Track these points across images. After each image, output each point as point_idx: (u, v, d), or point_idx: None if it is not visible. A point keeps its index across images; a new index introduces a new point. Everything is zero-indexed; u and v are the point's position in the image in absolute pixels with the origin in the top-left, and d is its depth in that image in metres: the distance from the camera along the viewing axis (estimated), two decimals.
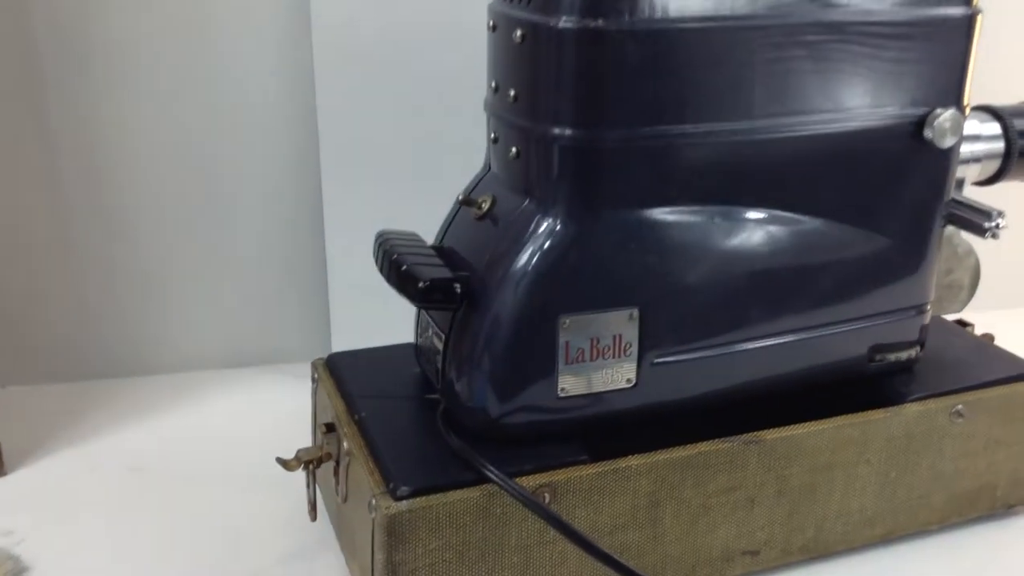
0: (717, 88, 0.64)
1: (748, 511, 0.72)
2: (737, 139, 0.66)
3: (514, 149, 0.67)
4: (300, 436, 0.93)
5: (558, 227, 0.64)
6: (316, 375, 0.80)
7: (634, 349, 0.67)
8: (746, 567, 0.74)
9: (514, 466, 0.65)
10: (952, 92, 0.71)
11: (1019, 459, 0.81)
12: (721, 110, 0.65)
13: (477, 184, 0.73)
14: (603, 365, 0.67)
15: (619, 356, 0.67)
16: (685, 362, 0.69)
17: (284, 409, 0.99)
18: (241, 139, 1.02)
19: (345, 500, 0.71)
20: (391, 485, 0.63)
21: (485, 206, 0.69)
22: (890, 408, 0.75)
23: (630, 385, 0.68)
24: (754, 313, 0.71)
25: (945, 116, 0.70)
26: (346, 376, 0.77)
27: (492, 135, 0.70)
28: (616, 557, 0.61)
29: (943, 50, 0.70)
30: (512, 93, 0.65)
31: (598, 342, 0.66)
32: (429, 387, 0.74)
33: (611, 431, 0.69)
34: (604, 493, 0.67)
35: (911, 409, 0.75)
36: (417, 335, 0.75)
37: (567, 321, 0.65)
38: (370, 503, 0.63)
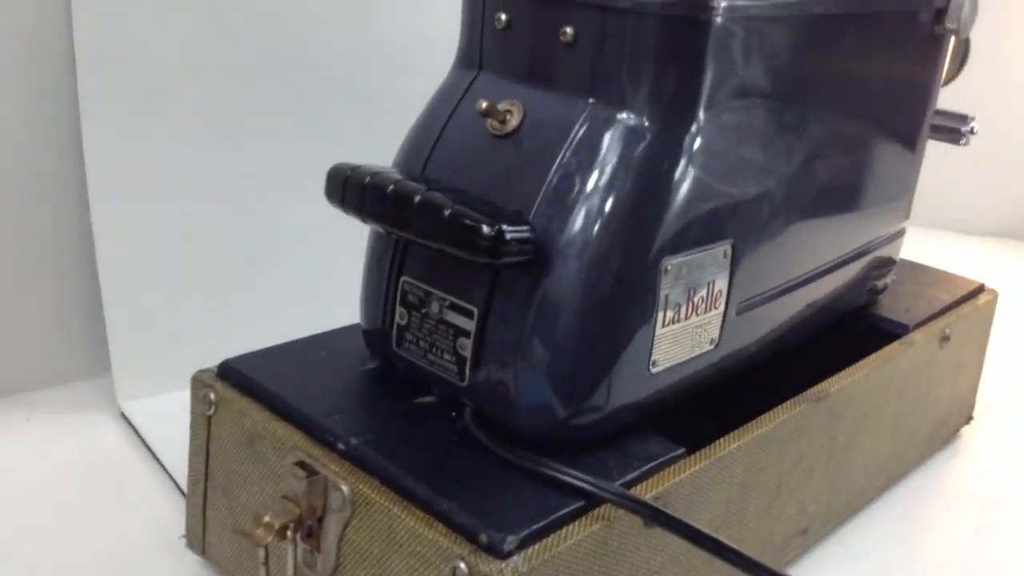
0: None
1: (808, 482, 0.60)
2: (823, 10, 0.52)
3: (568, 31, 0.47)
4: (82, 493, 0.63)
5: (649, 133, 0.46)
6: (212, 396, 0.52)
7: (723, 299, 0.51)
8: (796, 549, 0.62)
9: (613, 477, 0.46)
10: None
11: (969, 380, 0.79)
12: None
13: (466, 92, 0.51)
14: (694, 324, 0.50)
15: (709, 309, 0.50)
16: (757, 307, 0.54)
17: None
18: None
19: (335, 572, 0.47)
20: (484, 538, 0.41)
21: (512, 119, 0.48)
22: (902, 340, 0.67)
23: (713, 346, 0.52)
24: (812, 241, 0.58)
25: (966, 3, 0.62)
26: (275, 390, 0.51)
27: (500, 17, 0.49)
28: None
29: None
30: None
31: (694, 293, 0.49)
32: (411, 389, 0.52)
33: (684, 407, 0.53)
34: (705, 491, 0.50)
35: (916, 338, 0.68)
36: (388, 303, 0.51)
37: (670, 265, 0.47)
38: (455, 570, 0.41)
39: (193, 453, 0.55)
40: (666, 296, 0.47)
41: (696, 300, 0.49)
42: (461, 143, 0.50)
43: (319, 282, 0.80)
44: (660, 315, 0.47)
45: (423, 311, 0.50)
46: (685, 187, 0.47)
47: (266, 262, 0.80)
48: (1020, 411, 0.86)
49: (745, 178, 0.50)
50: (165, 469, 0.66)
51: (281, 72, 0.77)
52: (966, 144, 0.70)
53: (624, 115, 0.46)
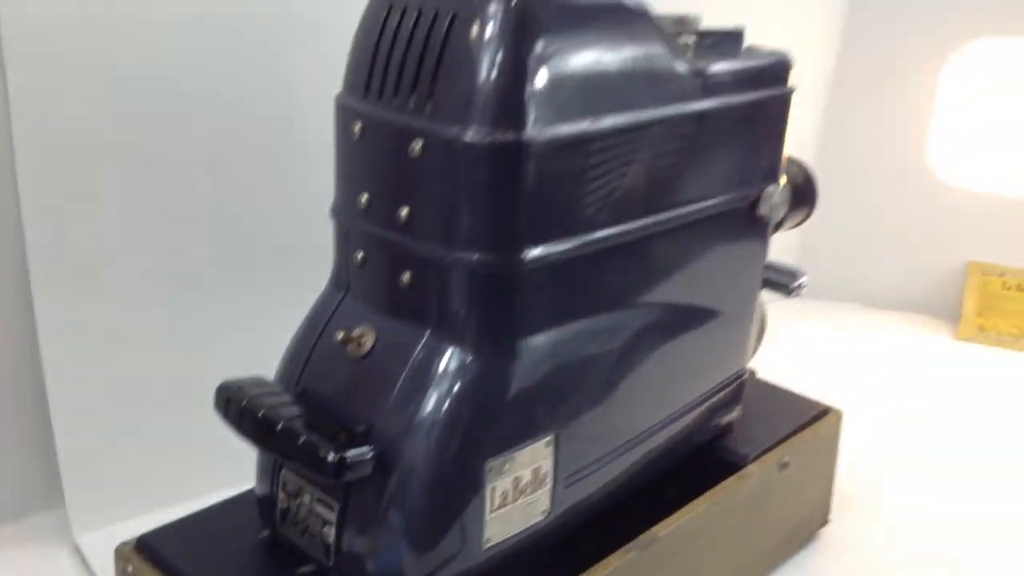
0: (621, 189, 0.60)
1: None
2: (631, 238, 0.62)
3: (407, 275, 0.57)
4: None
5: (472, 363, 0.57)
6: (130, 568, 0.63)
7: (550, 477, 0.62)
8: None
9: None
10: (775, 168, 0.74)
11: (819, 489, 0.89)
12: (623, 212, 0.61)
13: (335, 311, 0.62)
14: (524, 503, 0.60)
15: (537, 489, 0.61)
16: (587, 476, 0.65)
17: None
18: None
19: None
20: None
21: (366, 343, 0.59)
22: (739, 473, 0.77)
23: (544, 516, 0.62)
24: (641, 409, 0.68)
25: (777, 192, 0.73)
26: (179, 565, 0.61)
27: (359, 254, 0.60)
28: None
29: (772, 128, 0.73)
30: (404, 212, 0.56)
31: (520, 481, 0.60)
32: (292, 557, 0.62)
33: (523, 567, 0.63)
34: None
35: (753, 470, 0.78)
36: (274, 487, 0.62)
37: (492, 465, 0.57)
38: None
39: None
40: (492, 488, 0.58)
41: (523, 485, 0.60)
42: (328, 360, 0.61)
43: None
44: (488, 505, 0.58)
45: (298, 500, 0.60)
46: (506, 402, 0.58)
47: (206, 400, 0.91)
48: (880, 506, 0.97)
49: (566, 381, 0.61)
50: None
51: (217, 238, 0.87)
52: (797, 296, 0.80)
53: (452, 347, 0.57)
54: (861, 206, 1.44)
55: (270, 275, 0.90)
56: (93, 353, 0.85)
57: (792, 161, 0.87)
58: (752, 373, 0.95)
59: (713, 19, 0.69)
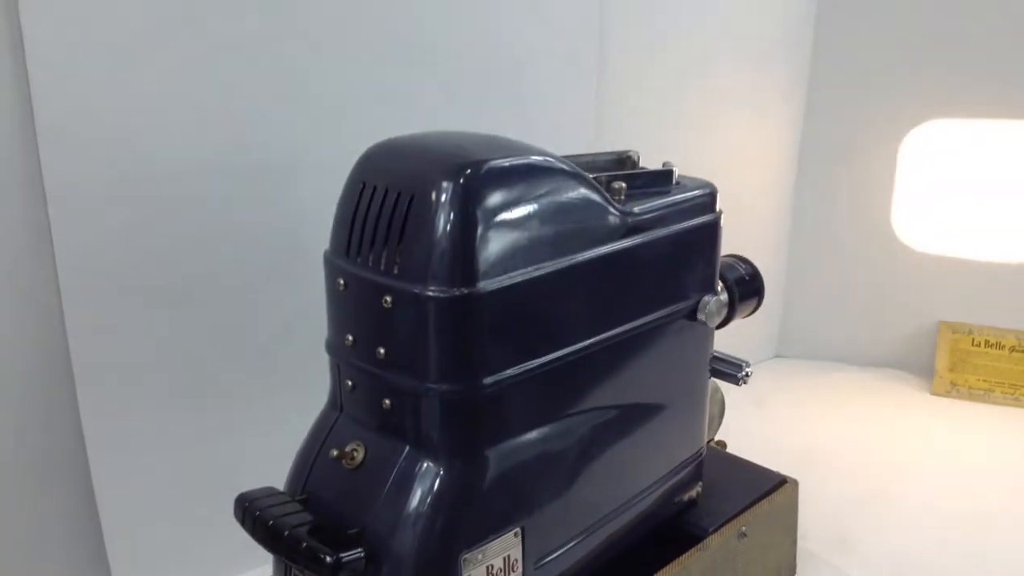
0: (567, 318, 0.72)
1: None
2: (580, 355, 0.74)
3: (387, 402, 0.69)
4: None
5: (445, 472, 0.68)
6: None
7: (519, 563, 0.72)
8: None
9: None
10: (710, 280, 0.85)
11: (782, 550, 0.99)
12: (570, 335, 0.72)
13: (332, 428, 0.73)
14: None
15: (509, 574, 0.72)
16: (554, 558, 0.76)
17: None
18: None
19: None
20: None
21: (358, 456, 0.70)
22: (699, 544, 0.87)
23: None
24: (601, 496, 0.79)
25: (712, 302, 0.84)
26: None
27: (349, 382, 0.72)
28: None
29: (703, 249, 0.84)
30: (382, 351, 0.68)
31: (492, 567, 0.70)
32: None
33: None
34: None
35: (712, 542, 0.88)
36: None
37: (467, 557, 0.68)
38: None
39: None
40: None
41: (495, 572, 0.71)
42: (327, 471, 0.72)
43: None
44: None
45: None
46: (476, 502, 0.69)
47: (232, 492, 1.03)
48: (851, 559, 1.06)
49: (529, 479, 0.72)
50: None
51: (238, 355, 1.00)
52: (744, 384, 0.91)
53: (428, 459, 0.68)
54: (835, 272, 1.55)
55: (283, 386, 1.02)
56: (134, 454, 0.97)
57: (740, 259, 0.98)
58: (723, 445, 1.06)
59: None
